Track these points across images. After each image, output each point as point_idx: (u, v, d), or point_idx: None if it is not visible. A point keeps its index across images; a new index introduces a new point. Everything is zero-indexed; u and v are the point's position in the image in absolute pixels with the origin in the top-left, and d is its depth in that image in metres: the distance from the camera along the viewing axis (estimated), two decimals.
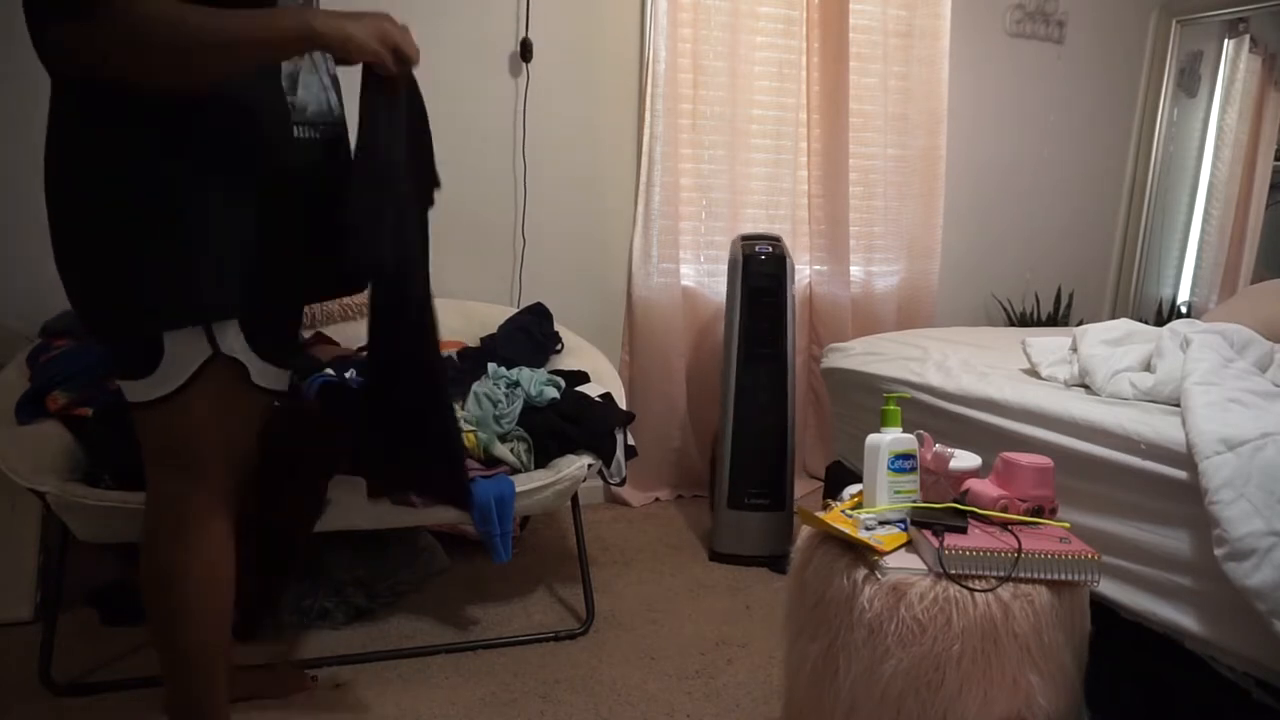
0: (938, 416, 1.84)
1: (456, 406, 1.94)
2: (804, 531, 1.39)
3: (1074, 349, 1.79)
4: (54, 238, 1.15)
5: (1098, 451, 1.48)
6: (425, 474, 1.51)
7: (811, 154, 2.94)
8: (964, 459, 1.36)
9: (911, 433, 1.32)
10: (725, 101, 2.73)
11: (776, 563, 2.34)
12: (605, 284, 2.79)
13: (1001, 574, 1.17)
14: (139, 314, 1.14)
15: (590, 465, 1.90)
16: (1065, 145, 3.43)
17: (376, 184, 1.20)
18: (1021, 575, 1.17)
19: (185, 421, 1.20)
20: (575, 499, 2.05)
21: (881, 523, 1.29)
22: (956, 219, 3.23)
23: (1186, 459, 1.33)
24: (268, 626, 1.89)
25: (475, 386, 1.98)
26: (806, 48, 2.84)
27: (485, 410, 1.91)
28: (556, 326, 2.44)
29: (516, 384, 2.00)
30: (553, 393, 2.00)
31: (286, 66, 1.22)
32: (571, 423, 1.94)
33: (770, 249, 2.41)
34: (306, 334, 2.29)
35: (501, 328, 2.36)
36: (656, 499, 2.87)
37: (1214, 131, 3.49)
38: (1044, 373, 1.81)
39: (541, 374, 2.06)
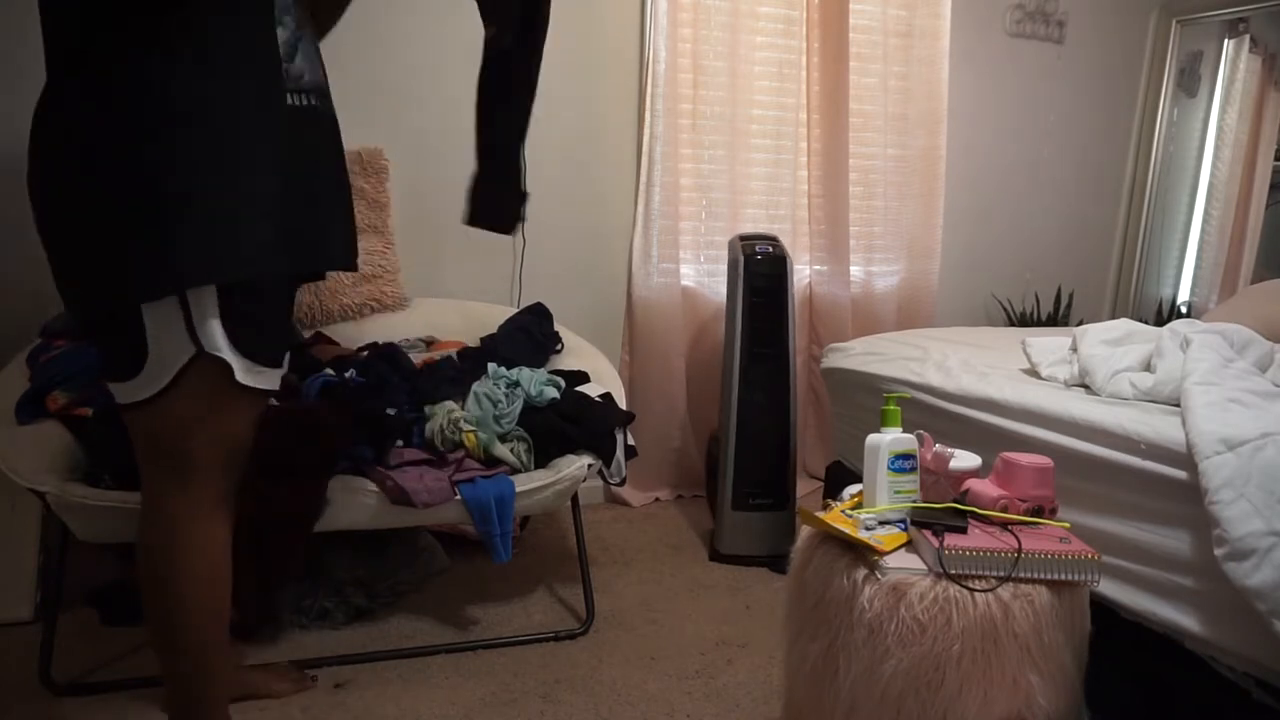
0: (938, 416, 1.84)
1: (456, 406, 1.95)
2: (804, 531, 1.39)
3: (1074, 349, 1.79)
4: (37, 216, 1.15)
5: (1098, 451, 1.48)
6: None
7: (811, 154, 2.94)
8: (964, 459, 1.36)
9: (911, 433, 1.32)
10: (725, 101, 2.73)
11: (776, 563, 2.34)
12: (605, 284, 2.79)
13: (1001, 574, 1.17)
14: (112, 284, 1.12)
15: (590, 465, 1.90)
16: (1065, 145, 3.43)
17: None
18: (1021, 575, 1.17)
19: (173, 422, 1.20)
20: (575, 499, 2.05)
21: (881, 523, 1.29)
22: (956, 219, 3.23)
23: (1186, 459, 1.33)
24: (267, 626, 1.89)
25: (475, 386, 1.98)
26: (806, 48, 2.84)
27: (485, 410, 1.91)
28: (556, 326, 2.43)
29: (516, 384, 2.00)
30: (553, 393, 2.00)
31: (284, 34, 1.19)
32: (571, 423, 1.94)
33: (770, 249, 2.41)
34: (306, 334, 2.29)
35: (501, 328, 2.36)
36: (656, 499, 2.87)
37: (1214, 131, 3.49)
38: (1044, 373, 1.81)
39: (541, 374, 2.06)
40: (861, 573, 1.22)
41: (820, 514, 1.32)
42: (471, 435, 1.88)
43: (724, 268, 2.65)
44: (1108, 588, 1.43)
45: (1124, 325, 1.82)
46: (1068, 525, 1.26)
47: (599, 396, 2.07)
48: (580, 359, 2.31)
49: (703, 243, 2.83)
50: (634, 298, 2.73)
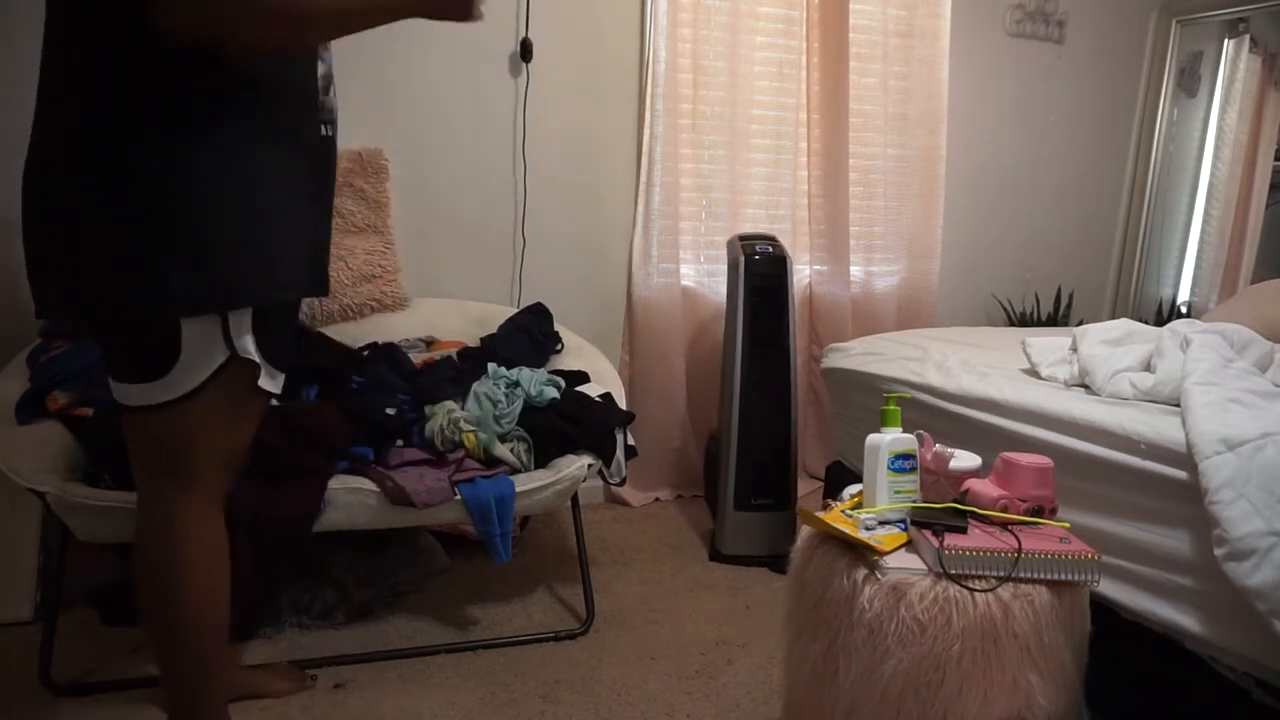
0: (938, 416, 1.84)
1: (456, 406, 1.95)
2: (804, 531, 1.39)
3: (1074, 349, 1.79)
4: (72, 226, 1.10)
5: (1098, 451, 1.48)
6: None
7: (811, 154, 2.94)
8: (964, 459, 1.36)
9: (911, 433, 1.32)
10: (725, 101, 2.73)
11: (776, 563, 2.34)
12: (605, 284, 2.79)
13: (1001, 574, 1.17)
14: (158, 301, 1.11)
15: (590, 465, 1.90)
16: (1065, 145, 3.42)
17: None
18: (1021, 575, 1.17)
19: (191, 425, 1.19)
20: (575, 499, 2.05)
21: (881, 523, 1.29)
22: (956, 219, 3.23)
23: (1186, 459, 1.33)
24: (267, 626, 1.89)
25: (475, 386, 1.98)
26: (806, 48, 2.84)
27: (485, 410, 1.91)
28: (556, 326, 2.43)
29: (516, 384, 2.00)
30: (553, 393, 2.00)
31: (322, 68, 1.24)
32: (571, 423, 1.94)
33: (770, 249, 2.41)
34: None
35: (501, 328, 2.36)
36: (656, 499, 2.87)
37: (1214, 131, 3.49)
38: (1044, 373, 1.81)
39: (541, 374, 2.06)
40: (861, 573, 1.22)
41: (820, 514, 1.32)
42: (471, 435, 1.88)
43: (724, 268, 2.65)
44: (1108, 588, 1.43)
45: (1124, 325, 1.82)
46: (1068, 525, 1.26)
47: (599, 396, 2.07)
48: (580, 359, 2.31)
49: (703, 243, 2.83)
50: (634, 298, 2.73)
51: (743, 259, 2.38)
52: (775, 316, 2.39)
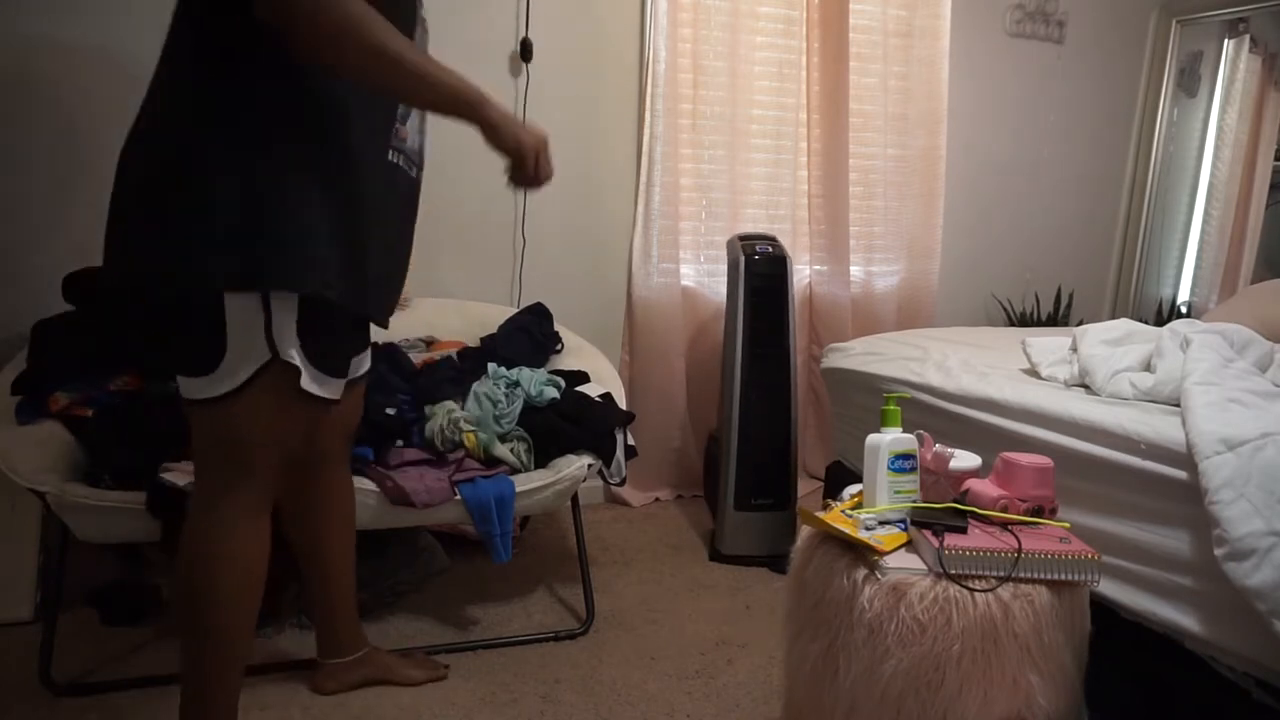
0: (938, 416, 1.84)
1: (456, 406, 1.95)
2: (804, 531, 1.39)
3: (1074, 349, 1.79)
4: (132, 196, 1.18)
5: (1098, 451, 1.48)
6: None
7: (811, 154, 2.94)
8: (964, 459, 1.36)
9: (911, 433, 1.32)
10: (725, 101, 2.73)
11: (776, 563, 2.34)
12: (605, 284, 2.79)
13: (1001, 574, 1.17)
14: (199, 268, 1.15)
15: (590, 465, 1.90)
16: (1065, 145, 3.43)
17: None
18: (1021, 575, 1.17)
19: (240, 421, 1.23)
20: (575, 499, 2.05)
21: (881, 523, 1.29)
22: (956, 219, 3.23)
23: (1186, 459, 1.33)
24: (267, 626, 1.89)
25: (475, 386, 1.98)
26: (806, 48, 2.84)
27: (485, 410, 1.91)
28: (556, 326, 2.43)
29: (516, 384, 2.00)
30: (553, 393, 2.00)
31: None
32: (571, 423, 1.94)
33: (770, 249, 2.41)
34: None
35: (501, 328, 2.36)
36: (656, 499, 2.87)
37: (1214, 131, 3.49)
38: (1044, 373, 1.81)
39: (541, 374, 2.06)
40: (861, 573, 1.22)
41: (820, 514, 1.32)
42: (471, 435, 1.88)
43: (724, 268, 2.65)
44: (1108, 588, 1.43)
45: (1124, 325, 1.82)
46: (1068, 525, 1.26)
47: (599, 396, 2.07)
48: (580, 359, 2.31)
49: (703, 243, 2.83)
50: (634, 298, 2.73)
51: (743, 259, 2.38)
52: (775, 316, 2.39)
